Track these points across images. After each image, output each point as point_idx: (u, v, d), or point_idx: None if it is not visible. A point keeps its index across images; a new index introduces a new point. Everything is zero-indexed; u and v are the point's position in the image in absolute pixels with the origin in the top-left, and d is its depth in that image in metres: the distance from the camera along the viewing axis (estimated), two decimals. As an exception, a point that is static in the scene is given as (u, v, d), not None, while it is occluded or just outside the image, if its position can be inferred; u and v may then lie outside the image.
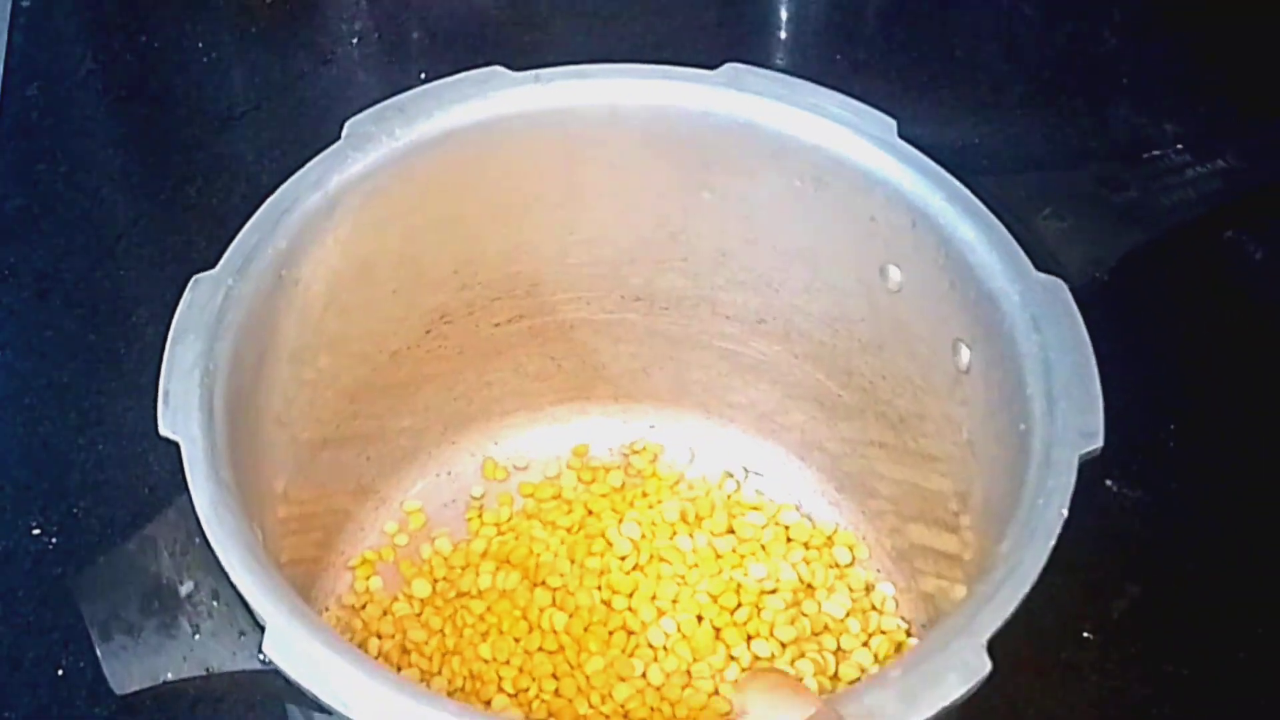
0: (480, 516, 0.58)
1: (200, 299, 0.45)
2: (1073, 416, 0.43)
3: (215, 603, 0.41)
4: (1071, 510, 0.41)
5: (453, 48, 0.79)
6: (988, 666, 0.38)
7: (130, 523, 0.58)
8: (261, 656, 0.39)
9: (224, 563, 0.40)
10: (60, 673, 0.54)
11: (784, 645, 0.53)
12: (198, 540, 0.41)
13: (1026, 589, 0.39)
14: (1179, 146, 0.55)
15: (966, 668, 0.38)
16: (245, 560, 0.40)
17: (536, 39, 0.79)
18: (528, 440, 0.60)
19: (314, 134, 0.50)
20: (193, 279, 0.45)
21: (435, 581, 0.56)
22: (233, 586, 0.40)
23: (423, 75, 0.76)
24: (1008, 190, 0.50)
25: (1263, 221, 0.69)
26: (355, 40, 0.79)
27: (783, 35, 0.80)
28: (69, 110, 0.75)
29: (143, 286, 0.68)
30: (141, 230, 0.70)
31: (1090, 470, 0.42)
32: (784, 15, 0.81)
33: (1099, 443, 0.42)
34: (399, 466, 0.58)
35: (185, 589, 0.42)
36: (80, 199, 0.71)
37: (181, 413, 0.42)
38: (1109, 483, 0.60)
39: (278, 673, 0.38)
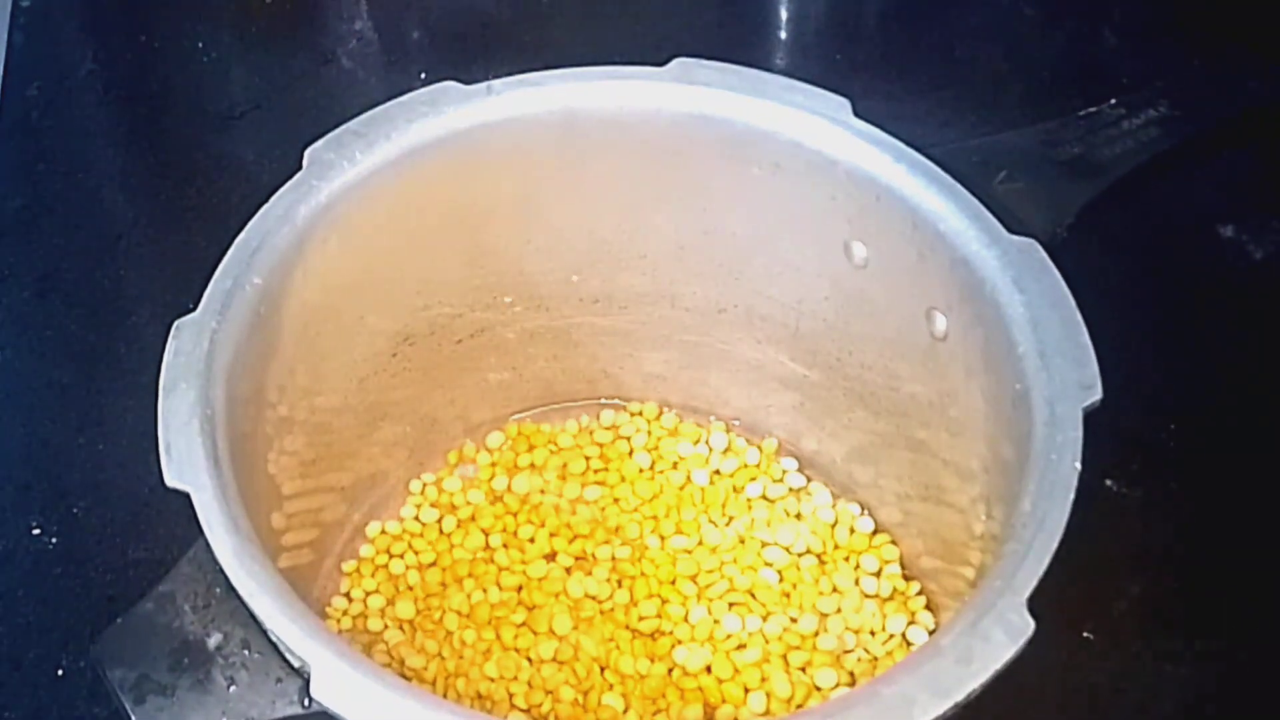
0: (459, 530, 0.57)
1: (186, 345, 0.44)
2: (1068, 371, 0.44)
3: (247, 652, 0.41)
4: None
5: (453, 48, 0.79)
6: (1031, 625, 0.39)
7: (130, 523, 0.58)
8: (308, 701, 0.38)
9: (259, 614, 0.39)
10: (60, 673, 0.54)
11: (823, 616, 0.54)
12: (219, 590, 0.41)
13: (1055, 544, 0.40)
14: (1113, 101, 0.55)
15: (1012, 627, 0.39)
16: (282, 609, 0.39)
17: (536, 39, 0.79)
18: (495, 452, 0.59)
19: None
20: (175, 324, 0.45)
21: (417, 600, 0.55)
22: (264, 634, 0.40)
23: (423, 75, 0.76)
24: (959, 158, 0.50)
25: (1263, 221, 0.69)
26: (355, 40, 0.79)
27: (783, 35, 0.80)
28: (69, 110, 0.75)
29: (143, 286, 0.68)
30: (141, 230, 0.70)
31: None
32: (784, 15, 0.81)
33: (1098, 394, 0.43)
34: (369, 490, 0.57)
35: (214, 641, 0.41)
36: (80, 199, 0.71)
37: (187, 463, 0.42)
38: (1109, 483, 0.60)
39: (325, 715, 0.38)
